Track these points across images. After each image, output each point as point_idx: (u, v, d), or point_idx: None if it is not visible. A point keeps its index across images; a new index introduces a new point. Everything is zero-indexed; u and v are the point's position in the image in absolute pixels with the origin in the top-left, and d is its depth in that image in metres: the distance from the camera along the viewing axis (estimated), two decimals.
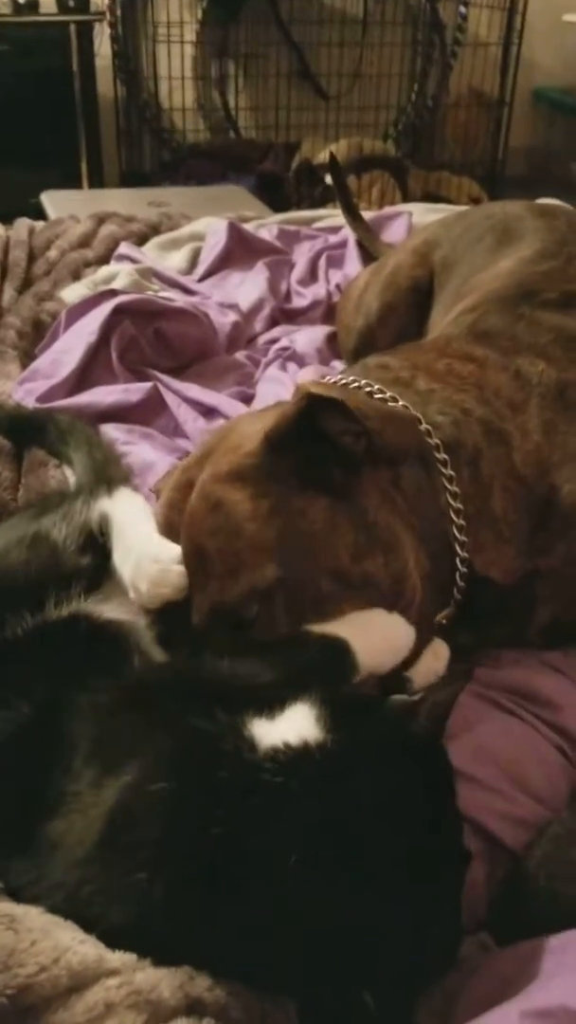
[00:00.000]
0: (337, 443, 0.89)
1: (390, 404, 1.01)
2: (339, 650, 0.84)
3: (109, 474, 1.22)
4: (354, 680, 0.85)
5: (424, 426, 1.00)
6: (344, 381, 1.06)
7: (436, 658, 0.97)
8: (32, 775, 0.77)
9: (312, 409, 0.88)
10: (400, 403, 1.01)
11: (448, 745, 0.91)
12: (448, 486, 0.98)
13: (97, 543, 0.95)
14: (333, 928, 0.66)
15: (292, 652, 0.84)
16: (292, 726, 0.73)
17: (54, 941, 0.67)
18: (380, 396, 1.02)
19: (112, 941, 0.69)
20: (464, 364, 1.10)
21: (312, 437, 0.89)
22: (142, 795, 0.70)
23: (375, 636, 0.88)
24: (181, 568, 0.89)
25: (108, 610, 0.89)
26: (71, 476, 1.32)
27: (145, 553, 0.91)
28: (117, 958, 0.67)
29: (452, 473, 0.99)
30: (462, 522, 0.98)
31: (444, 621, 0.99)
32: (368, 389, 1.03)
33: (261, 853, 0.66)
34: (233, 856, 0.66)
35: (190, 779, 0.70)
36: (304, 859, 0.65)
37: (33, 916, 0.69)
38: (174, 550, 0.90)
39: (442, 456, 0.99)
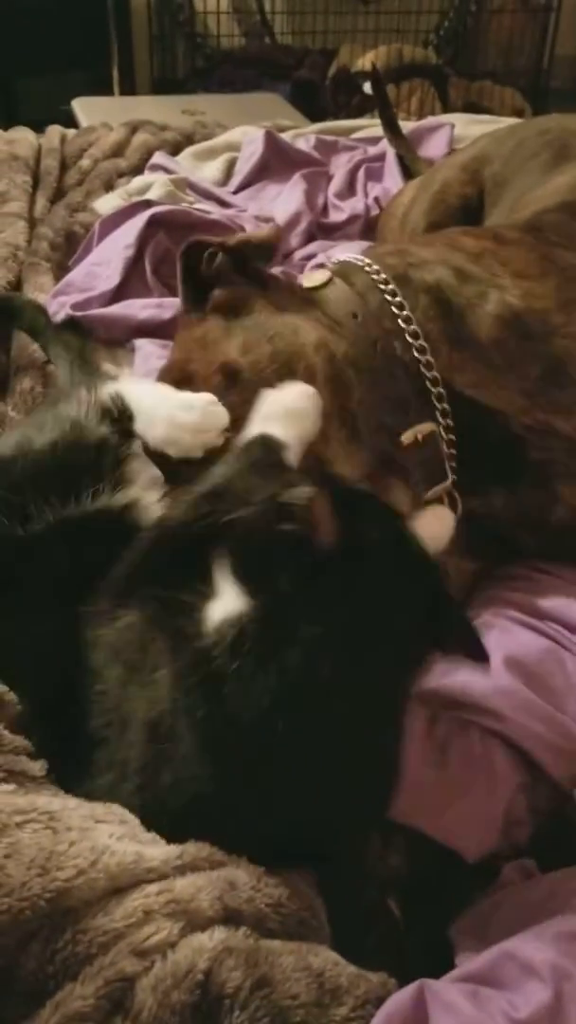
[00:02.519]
0: (213, 271, 1.05)
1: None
2: (257, 441, 0.84)
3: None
4: (287, 454, 0.84)
5: (373, 267, 1.07)
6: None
7: (439, 519, 0.92)
8: (64, 674, 0.79)
9: (186, 258, 1.07)
10: (360, 261, 1.09)
11: (495, 671, 0.91)
12: (398, 312, 1.03)
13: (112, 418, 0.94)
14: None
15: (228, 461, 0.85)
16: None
17: (92, 841, 0.68)
18: (367, 270, 1.08)
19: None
20: (477, 240, 1.11)
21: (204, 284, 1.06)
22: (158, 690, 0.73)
23: (276, 411, 0.87)
24: (222, 409, 0.91)
25: (125, 496, 0.89)
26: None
27: (176, 405, 0.91)
28: (155, 854, 0.69)
29: (402, 300, 1.04)
30: (423, 343, 1.02)
31: (419, 437, 1.01)
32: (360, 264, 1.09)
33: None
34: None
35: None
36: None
37: (71, 810, 0.71)
38: (205, 395, 0.92)
39: (389, 288, 1.05)
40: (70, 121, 2.78)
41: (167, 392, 0.95)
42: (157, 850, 0.69)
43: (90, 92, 3.35)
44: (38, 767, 0.78)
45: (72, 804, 0.72)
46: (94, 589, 0.81)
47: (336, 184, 2.05)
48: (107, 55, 3.89)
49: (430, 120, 2.38)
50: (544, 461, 1.04)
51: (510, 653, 0.94)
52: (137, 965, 0.62)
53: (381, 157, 2.13)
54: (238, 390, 0.96)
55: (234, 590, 0.72)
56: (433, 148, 2.17)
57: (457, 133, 2.21)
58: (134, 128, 2.30)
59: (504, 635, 0.98)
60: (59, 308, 1.52)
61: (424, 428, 1.01)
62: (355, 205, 1.98)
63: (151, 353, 1.40)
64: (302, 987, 0.63)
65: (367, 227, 1.92)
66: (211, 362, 0.99)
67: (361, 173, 2.08)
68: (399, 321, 1.03)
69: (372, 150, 2.17)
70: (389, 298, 1.04)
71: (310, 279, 1.10)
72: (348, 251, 1.77)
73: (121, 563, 0.81)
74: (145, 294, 1.55)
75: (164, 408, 0.91)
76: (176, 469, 0.90)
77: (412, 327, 1.02)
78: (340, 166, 2.12)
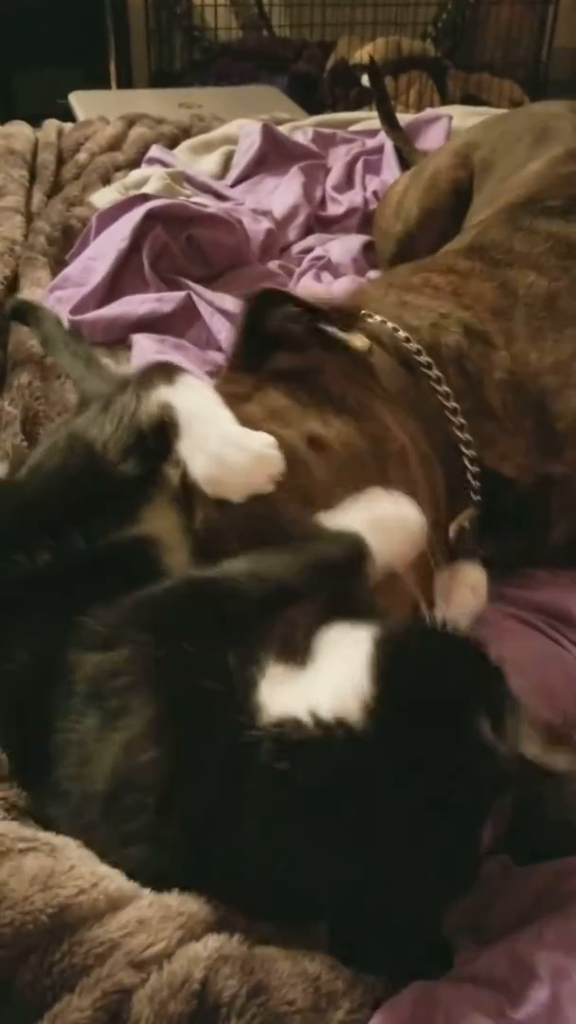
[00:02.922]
0: (283, 332, 0.91)
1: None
2: (350, 539, 0.77)
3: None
4: (371, 572, 0.78)
5: (402, 333, 0.99)
6: None
7: (474, 592, 0.93)
8: (43, 714, 0.74)
9: (254, 309, 0.91)
10: (376, 318, 1.00)
11: None
12: (437, 387, 0.98)
13: (147, 447, 0.83)
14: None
15: (304, 545, 0.77)
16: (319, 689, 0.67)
17: (92, 868, 0.68)
18: (397, 335, 1.00)
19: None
20: (443, 276, 1.09)
21: (266, 341, 0.92)
22: (136, 764, 0.67)
23: (383, 521, 0.80)
24: (278, 453, 0.80)
25: (144, 527, 0.82)
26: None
27: (230, 441, 0.80)
28: (152, 894, 0.68)
29: (439, 374, 0.98)
30: (461, 420, 0.98)
31: (467, 524, 0.97)
32: None
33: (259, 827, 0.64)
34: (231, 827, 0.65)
35: (183, 751, 0.67)
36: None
37: (72, 847, 0.70)
38: (265, 436, 0.80)
39: (425, 359, 0.98)
40: (67, 115, 2.77)
41: (224, 421, 0.82)
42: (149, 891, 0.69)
43: (87, 86, 3.33)
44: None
45: (72, 843, 0.71)
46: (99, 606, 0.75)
47: (334, 177, 2.04)
48: (104, 49, 3.87)
49: (428, 112, 2.36)
50: (541, 504, 1.04)
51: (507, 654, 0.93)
52: (134, 977, 0.62)
53: (379, 150, 2.11)
54: (326, 463, 0.86)
55: (299, 689, 0.67)
56: (431, 140, 2.15)
57: (455, 125, 2.19)
58: (131, 122, 2.29)
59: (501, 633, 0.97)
60: (56, 303, 1.51)
61: (468, 514, 0.98)
62: (353, 198, 1.97)
63: (147, 348, 1.39)
64: (298, 992, 0.62)
65: (365, 220, 1.91)
66: (290, 432, 0.86)
67: (359, 166, 2.07)
68: (439, 397, 0.98)
69: (370, 143, 2.16)
70: (426, 371, 0.98)
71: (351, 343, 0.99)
72: (346, 245, 1.78)
73: (146, 593, 0.74)
74: (142, 289, 1.54)
75: (215, 441, 0.80)
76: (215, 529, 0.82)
77: (452, 403, 0.98)
78: (338, 159, 2.11)
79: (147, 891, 0.68)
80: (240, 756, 0.64)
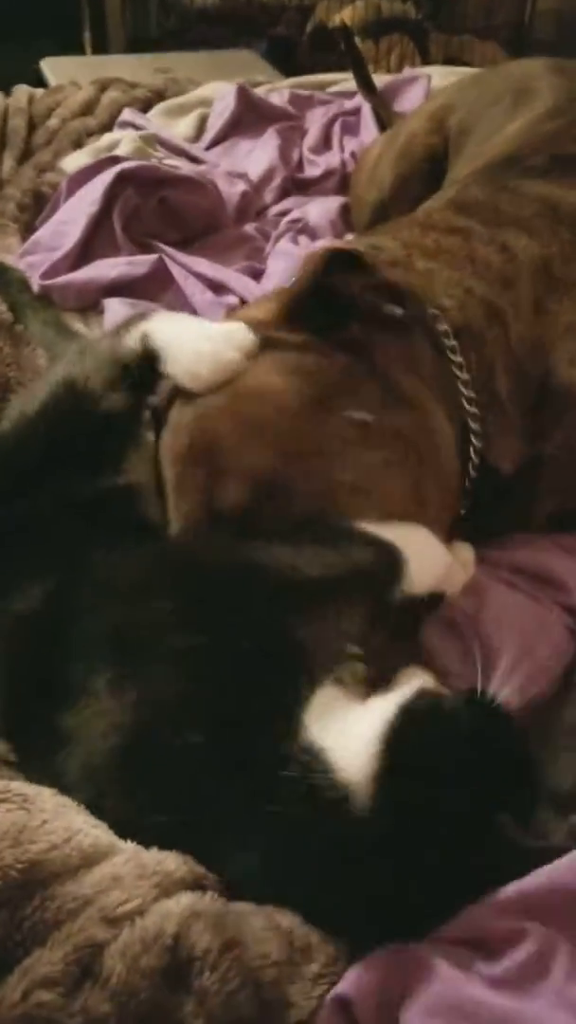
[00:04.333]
0: (360, 302, 0.86)
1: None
2: (392, 554, 0.78)
3: None
4: (399, 594, 0.79)
5: (431, 311, 0.95)
6: None
7: (465, 569, 0.94)
8: (47, 659, 0.74)
9: (330, 265, 0.85)
10: (444, 326, 0.96)
11: (468, 617, 0.90)
12: (459, 374, 0.94)
13: (132, 378, 0.87)
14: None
15: (345, 545, 0.78)
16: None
17: (66, 822, 0.67)
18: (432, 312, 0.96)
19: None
20: (449, 237, 1.05)
21: (326, 300, 0.86)
22: (161, 742, 0.67)
23: (419, 551, 0.81)
24: (248, 335, 0.85)
25: (132, 475, 0.84)
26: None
27: (203, 335, 0.85)
28: (129, 846, 0.68)
29: (461, 360, 0.95)
30: (475, 410, 0.95)
31: (463, 511, 0.96)
32: None
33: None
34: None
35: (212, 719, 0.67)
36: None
37: (46, 798, 0.70)
38: (235, 324, 0.86)
39: (451, 343, 0.95)
40: (39, 82, 2.72)
41: (198, 324, 0.88)
42: (131, 844, 0.68)
43: (62, 54, 3.27)
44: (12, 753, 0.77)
45: (47, 792, 0.71)
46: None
47: (311, 138, 2.01)
48: (78, 15, 3.80)
49: (407, 72, 2.33)
50: (528, 483, 1.02)
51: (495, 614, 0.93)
52: (107, 932, 0.62)
53: (357, 111, 2.08)
54: (375, 452, 0.85)
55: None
56: (410, 101, 2.11)
57: (435, 85, 2.15)
58: (103, 86, 2.24)
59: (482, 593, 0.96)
60: (27, 269, 1.49)
61: (465, 504, 0.97)
62: (331, 160, 1.94)
63: (120, 312, 1.37)
64: (272, 946, 0.62)
65: (343, 182, 1.88)
66: (339, 412, 0.85)
67: (337, 127, 2.04)
68: (459, 384, 0.95)
69: (348, 104, 2.12)
70: (451, 356, 0.95)
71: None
72: (323, 207, 1.76)
73: (179, 552, 0.76)
74: (114, 253, 1.52)
75: (191, 341, 0.85)
76: None
77: (469, 392, 0.95)
78: (315, 120, 2.07)
79: (125, 845, 0.68)
80: (268, 759, 0.64)
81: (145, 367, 0.86)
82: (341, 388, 0.85)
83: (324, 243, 1.58)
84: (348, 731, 0.65)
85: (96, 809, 0.70)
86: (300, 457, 0.82)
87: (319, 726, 0.65)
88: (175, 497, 0.84)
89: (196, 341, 0.84)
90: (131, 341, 0.87)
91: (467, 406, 0.94)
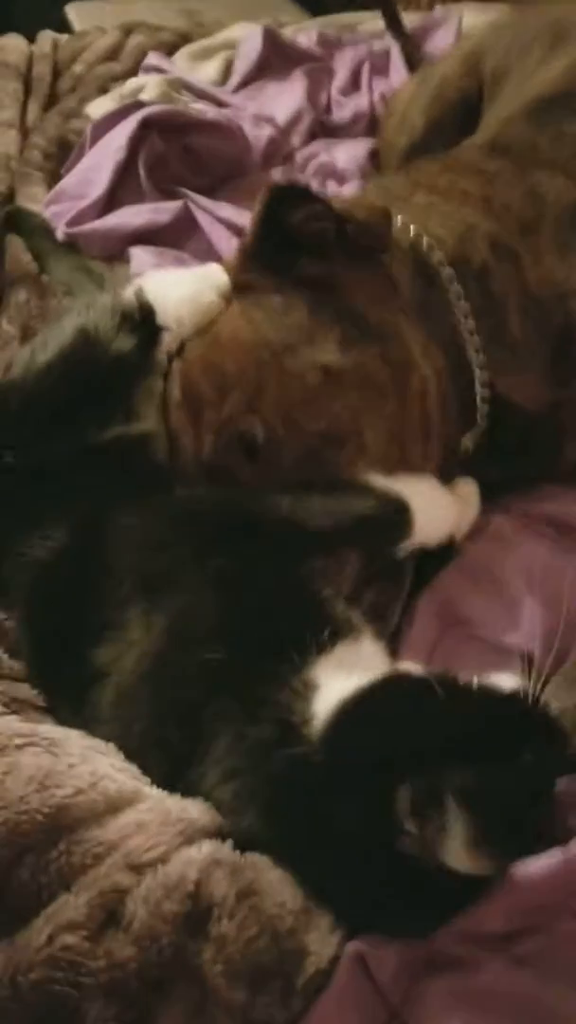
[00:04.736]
0: (306, 232, 0.86)
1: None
2: (399, 507, 0.80)
3: None
4: (406, 547, 0.81)
5: (425, 239, 0.95)
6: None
7: (468, 505, 0.94)
8: (75, 601, 0.76)
9: (275, 201, 0.85)
10: (399, 218, 0.95)
11: (490, 565, 0.89)
12: (457, 302, 0.94)
13: (135, 323, 0.89)
14: None
15: (352, 498, 0.80)
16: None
17: (92, 767, 0.68)
18: (424, 246, 0.96)
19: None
20: (471, 178, 1.03)
21: (285, 237, 0.87)
22: (189, 658, 0.68)
23: (427, 504, 0.83)
24: (222, 275, 0.89)
25: (145, 424, 0.86)
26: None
27: (183, 281, 0.90)
28: (154, 791, 0.69)
29: (460, 288, 0.94)
30: (477, 340, 0.94)
31: (470, 444, 0.95)
32: None
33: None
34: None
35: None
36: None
37: (73, 740, 0.71)
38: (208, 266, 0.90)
39: (447, 271, 0.94)
40: (64, 28, 2.67)
41: (179, 272, 0.93)
42: (156, 790, 0.69)
43: None
44: (41, 697, 0.78)
45: (74, 735, 0.72)
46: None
47: (339, 80, 1.95)
48: None
49: (437, 13, 2.26)
50: (549, 428, 1.01)
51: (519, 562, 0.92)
52: (130, 878, 0.62)
53: (386, 53, 2.02)
54: (342, 397, 0.85)
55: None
56: (439, 42, 2.04)
57: (467, 24, 2.08)
58: (128, 31, 2.20)
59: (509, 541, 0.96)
60: (53, 218, 1.47)
61: (473, 435, 0.96)
62: (359, 102, 1.89)
63: (145, 261, 1.35)
64: (288, 896, 0.63)
65: (372, 125, 1.83)
66: (303, 358, 0.85)
67: (365, 69, 1.98)
68: (460, 315, 0.94)
69: (377, 45, 2.06)
70: (448, 285, 0.94)
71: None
72: (352, 151, 1.72)
73: (197, 501, 0.79)
74: (139, 200, 1.49)
75: (172, 288, 0.89)
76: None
77: (470, 322, 0.94)
78: (344, 62, 2.02)
79: (150, 791, 0.68)
80: (278, 711, 0.65)
81: (147, 320, 0.89)
82: (305, 330, 0.85)
83: (351, 191, 1.56)
84: (336, 688, 0.66)
85: (124, 737, 0.71)
86: (269, 409, 0.83)
87: (326, 670, 0.66)
88: (171, 446, 0.86)
89: (176, 287, 0.89)
90: (127, 293, 0.91)
91: (467, 335, 0.94)
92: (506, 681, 0.67)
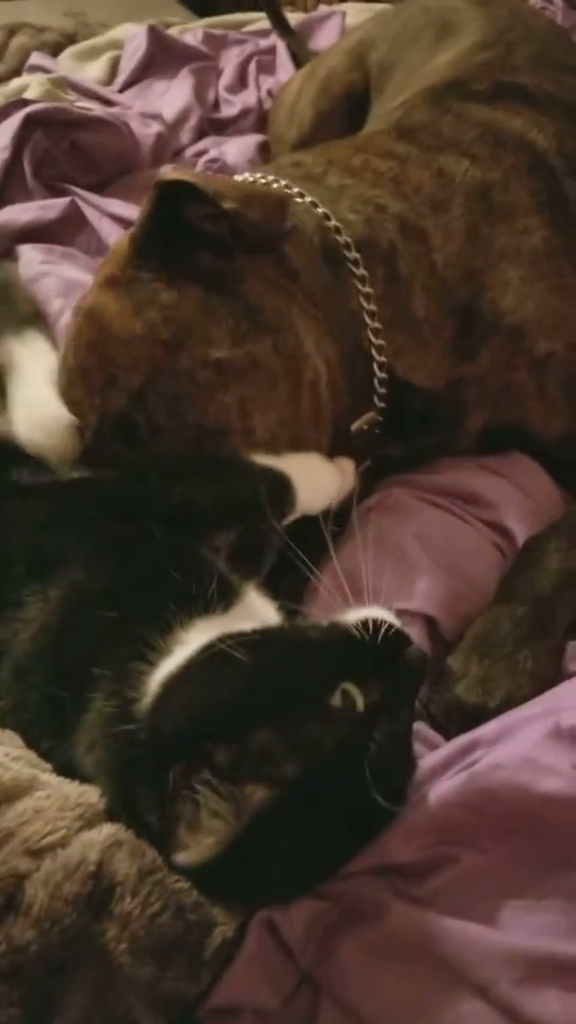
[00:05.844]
0: (200, 229, 0.86)
1: (274, 189, 0.96)
2: (281, 482, 0.82)
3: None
4: (289, 517, 0.83)
5: (332, 223, 0.96)
6: (249, 179, 1.01)
7: (344, 475, 0.94)
8: None
9: (166, 196, 0.84)
10: (307, 199, 0.96)
11: (388, 535, 0.90)
12: (361, 287, 0.95)
13: None
14: None
15: (233, 477, 0.81)
16: None
17: None
18: (287, 193, 0.96)
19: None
20: (383, 160, 1.05)
21: (177, 229, 0.86)
22: (83, 618, 0.69)
23: (308, 477, 0.85)
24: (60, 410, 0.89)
25: None
26: None
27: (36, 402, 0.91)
28: (52, 779, 0.67)
29: (365, 273, 0.95)
30: (377, 325, 0.95)
31: (365, 426, 0.96)
32: (275, 185, 0.98)
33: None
34: None
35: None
36: None
37: None
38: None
39: (353, 255, 0.95)
40: None
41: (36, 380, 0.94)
42: (55, 777, 0.68)
43: None
44: None
45: None
46: None
47: (227, 78, 1.97)
48: None
49: (321, 10, 2.29)
50: (452, 403, 1.03)
51: (416, 530, 0.95)
52: (30, 863, 0.61)
53: (273, 50, 2.05)
54: (232, 390, 0.85)
55: None
56: (324, 39, 2.08)
57: (350, 22, 2.12)
58: (11, 31, 2.18)
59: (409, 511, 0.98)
60: None
61: (368, 418, 0.97)
62: (247, 99, 1.91)
63: (33, 259, 1.33)
64: None
65: (260, 120, 1.85)
66: (194, 355, 0.84)
67: (252, 66, 2.01)
68: (360, 298, 0.95)
69: (264, 43, 2.09)
70: (352, 268, 0.95)
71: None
72: (241, 146, 1.73)
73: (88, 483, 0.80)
74: (26, 198, 1.48)
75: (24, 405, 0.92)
76: None
77: (371, 307, 0.95)
78: (230, 60, 2.04)
79: (48, 778, 0.67)
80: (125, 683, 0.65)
81: None
82: (194, 325, 0.85)
83: (165, 170, 1.55)
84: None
85: (20, 710, 0.70)
86: (155, 402, 0.84)
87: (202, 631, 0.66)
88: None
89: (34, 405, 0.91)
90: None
91: (368, 320, 0.95)
92: (364, 615, 0.68)
